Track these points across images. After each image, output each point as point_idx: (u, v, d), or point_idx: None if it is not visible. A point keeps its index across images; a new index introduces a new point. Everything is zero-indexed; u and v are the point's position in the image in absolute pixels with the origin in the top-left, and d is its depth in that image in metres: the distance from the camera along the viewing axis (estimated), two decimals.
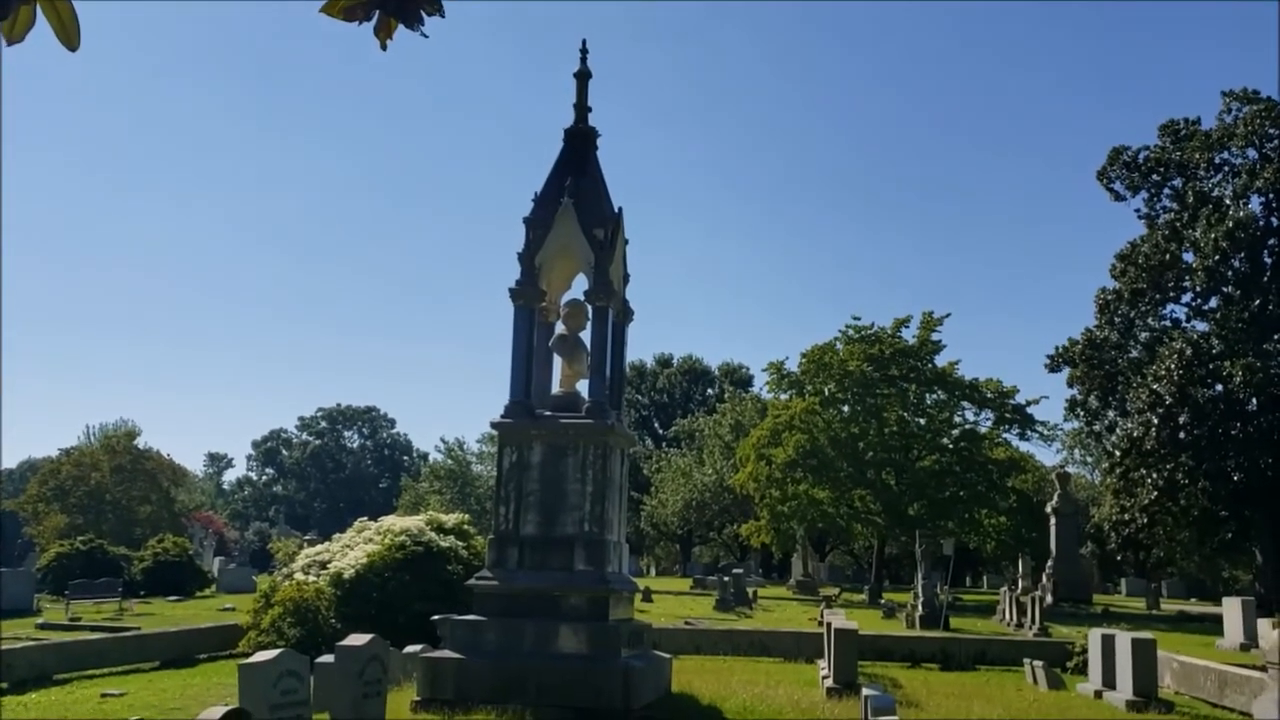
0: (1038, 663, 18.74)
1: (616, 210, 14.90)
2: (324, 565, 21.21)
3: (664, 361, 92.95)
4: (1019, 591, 33.84)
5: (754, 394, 74.48)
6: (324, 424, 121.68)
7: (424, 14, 3.62)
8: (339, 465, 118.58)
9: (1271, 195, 39.67)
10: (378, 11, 3.58)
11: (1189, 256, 41.15)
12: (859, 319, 49.22)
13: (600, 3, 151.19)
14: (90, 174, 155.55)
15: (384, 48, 3.63)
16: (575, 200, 14.44)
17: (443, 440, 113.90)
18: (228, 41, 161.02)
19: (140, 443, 66.58)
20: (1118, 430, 41.96)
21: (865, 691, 11.02)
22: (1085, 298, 56.12)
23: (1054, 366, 44.81)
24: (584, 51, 15.22)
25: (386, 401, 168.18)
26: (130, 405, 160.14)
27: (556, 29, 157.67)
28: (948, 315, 49.11)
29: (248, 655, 15.73)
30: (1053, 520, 43.16)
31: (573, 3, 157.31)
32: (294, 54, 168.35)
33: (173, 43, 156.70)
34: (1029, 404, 49.30)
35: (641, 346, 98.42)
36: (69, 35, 3.16)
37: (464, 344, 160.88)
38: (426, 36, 3.66)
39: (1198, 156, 41.72)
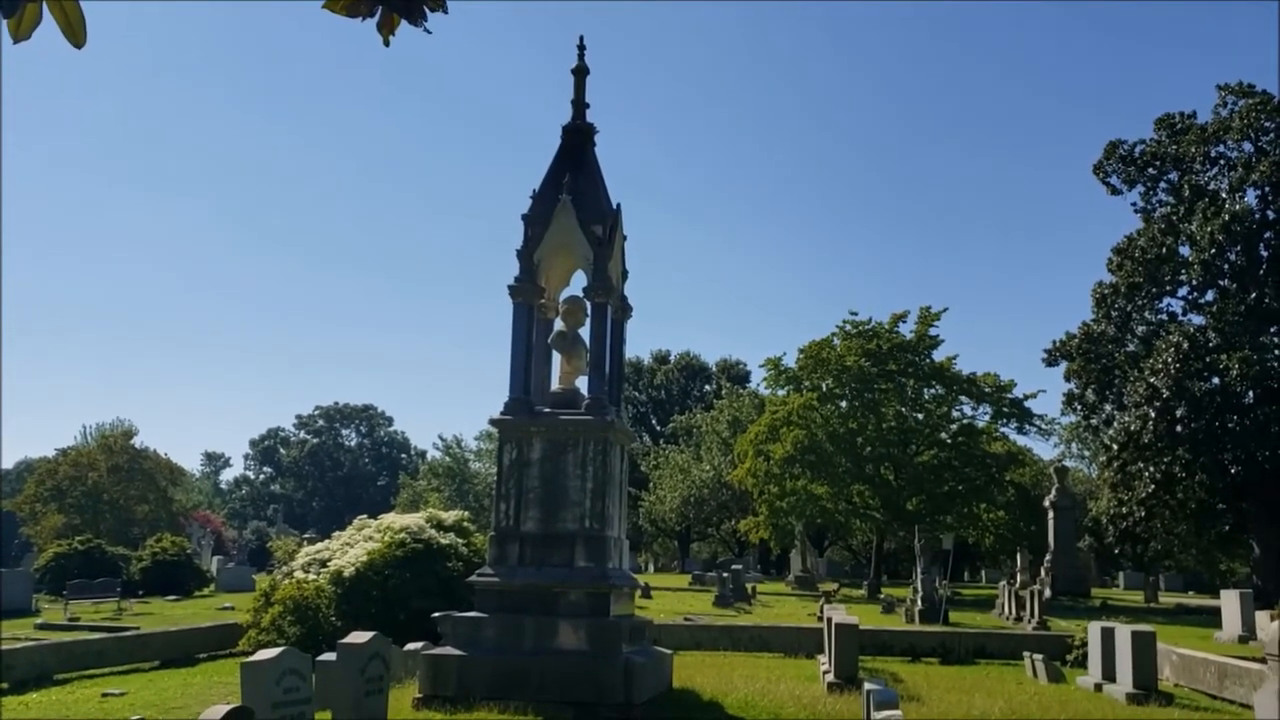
0: (1037, 656, 18.78)
1: (615, 207, 14.89)
2: (324, 563, 21.19)
3: (661, 358, 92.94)
4: (1017, 585, 33.89)
5: (751, 390, 74.52)
6: (321, 422, 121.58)
7: (427, 9, 3.62)
8: (337, 464, 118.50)
9: (1267, 188, 39.67)
10: (381, 7, 3.58)
11: (1185, 250, 41.16)
12: (856, 314, 49.33)
13: (600, 2, 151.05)
14: (84, 170, 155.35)
15: (387, 43, 3.63)
16: (573, 197, 14.43)
17: (440, 438, 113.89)
18: (225, 36, 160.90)
19: (137, 442, 66.42)
20: (1115, 424, 41.97)
21: (867, 686, 11.02)
22: (1082, 292, 56.15)
23: (1051, 360, 44.84)
24: (581, 48, 15.21)
25: (384, 399, 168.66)
26: (126, 405, 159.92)
27: (556, 25, 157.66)
28: (945, 310, 49.20)
29: (248, 654, 15.73)
30: (1051, 514, 43.21)
31: (573, 1, 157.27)
32: (292, 49, 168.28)
33: (171, 37, 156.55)
34: (1026, 398, 49.37)
35: (638, 343, 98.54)
36: (75, 33, 3.16)
37: (461, 341, 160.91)
38: (430, 32, 3.65)
39: (1194, 150, 41.72)
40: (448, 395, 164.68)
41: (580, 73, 15.20)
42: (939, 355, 49.25)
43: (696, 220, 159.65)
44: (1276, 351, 39.03)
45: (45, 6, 3.11)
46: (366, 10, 3.54)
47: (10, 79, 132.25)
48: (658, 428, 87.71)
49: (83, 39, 3.18)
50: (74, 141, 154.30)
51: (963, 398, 49.94)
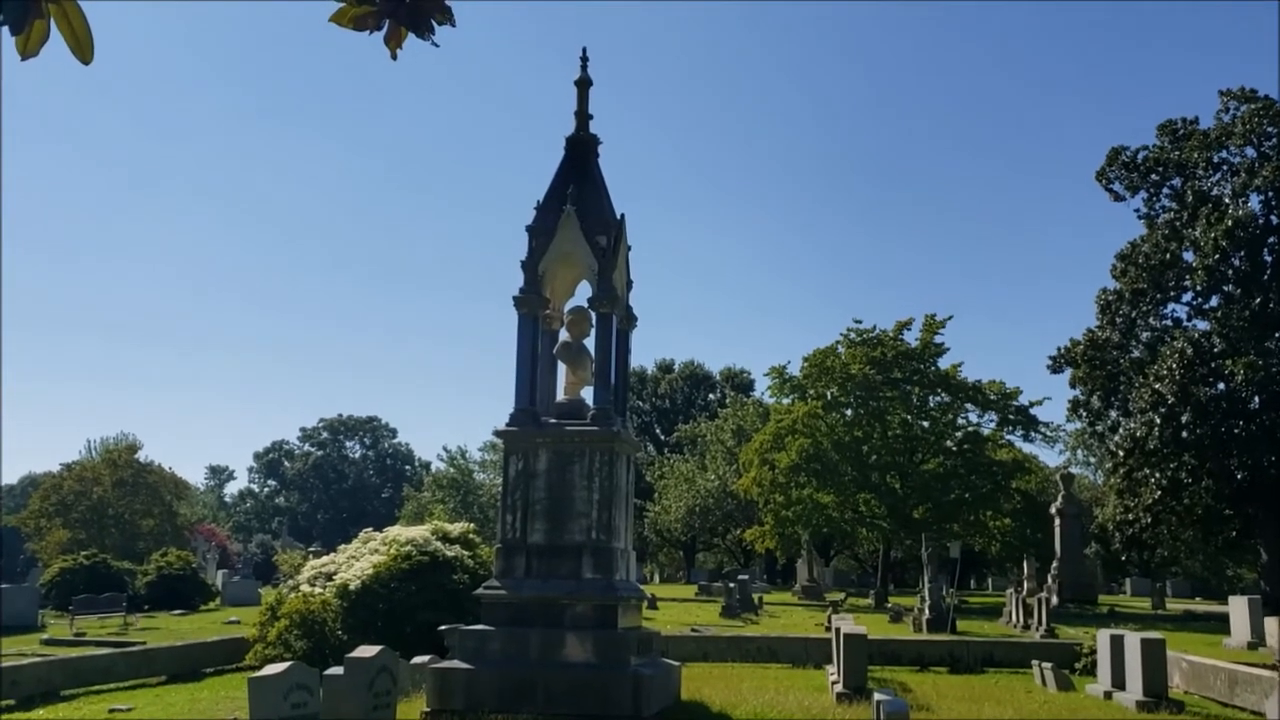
0: (1046, 664, 18.72)
1: (619, 217, 14.90)
2: (330, 577, 21.21)
3: (665, 367, 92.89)
4: (1025, 593, 33.76)
5: (755, 399, 74.44)
6: (325, 434, 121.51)
7: (435, 23, 3.62)
8: (341, 476, 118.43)
9: (1270, 193, 39.61)
10: (388, 21, 3.58)
11: (1189, 256, 41.08)
12: (860, 322, 49.34)
13: (602, 4, 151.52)
14: (90, 180, 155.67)
15: (394, 57, 3.63)
16: (577, 207, 14.45)
17: (445, 449, 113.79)
18: (231, 45, 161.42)
19: (141, 456, 66.48)
20: (1120, 430, 41.82)
21: (877, 696, 10.98)
22: (1087, 299, 56.17)
23: (1056, 368, 44.75)
24: (584, 59, 15.24)
25: (387, 411, 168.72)
26: (130, 418, 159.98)
27: (561, 33, 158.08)
28: (950, 318, 49.20)
29: (255, 668, 15.74)
30: (1057, 521, 43.10)
31: (574, 4, 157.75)
32: (298, 60, 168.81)
33: (171, 44, 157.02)
34: (1032, 405, 49.33)
35: (642, 352, 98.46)
36: (83, 49, 3.15)
37: (465, 352, 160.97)
38: (437, 45, 3.65)
39: (1196, 156, 41.68)
40: (451, 407, 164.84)
41: (583, 84, 15.22)
42: (944, 363, 49.28)
43: (701, 227, 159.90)
44: None
45: (53, 23, 3.10)
46: (373, 24, 3.54)
47: (15, 82, 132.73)
48: (662, 437, 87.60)
49: (90, 56, 3.17)
50: (77, 148, 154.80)
51: (968, 405, 49.91)
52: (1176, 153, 42.37)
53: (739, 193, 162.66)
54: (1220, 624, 28.90)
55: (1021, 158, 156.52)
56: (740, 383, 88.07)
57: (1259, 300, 38.45)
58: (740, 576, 42.17)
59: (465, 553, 21.55)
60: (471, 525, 24.86)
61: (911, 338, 49.09)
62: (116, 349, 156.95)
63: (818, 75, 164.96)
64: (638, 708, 12.53)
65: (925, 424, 50.13)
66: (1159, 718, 14.86)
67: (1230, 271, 39.50)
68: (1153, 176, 43.18)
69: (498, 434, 14.56)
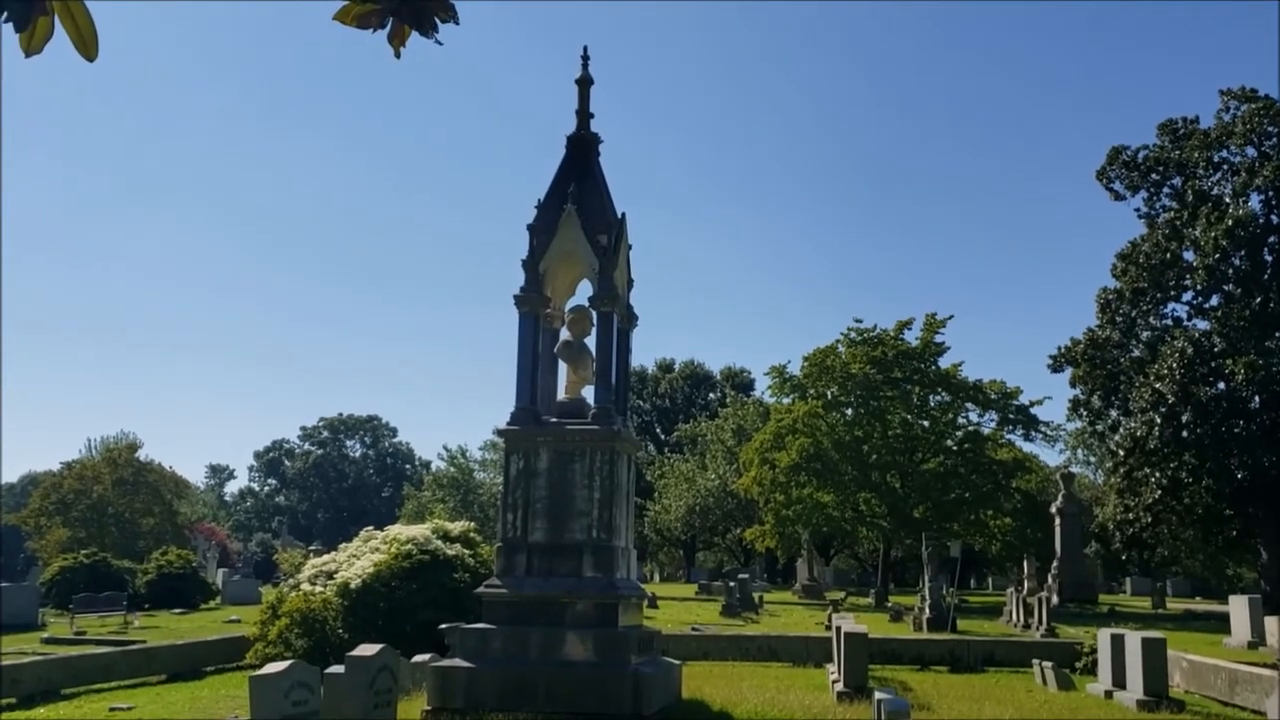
0: (1047, 664, 18.73)
1: (619, 216, 14.89)
2: (330, 575, 21.21)
3: (665, 366, 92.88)
4: (1025, 592, 33.79)
5: (756, 398, 74.46)
6: (326, 433, 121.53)
7: (438, 20, 3.62)
8: (341, 475, 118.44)
9: (1271, 193, 39.59)
10: (391, 19, 3.58)
11: (1189, 255, 41.06)
12: (861, 321, 49.31)
13: (603, 4, 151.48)
14: (88, 176, 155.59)
15: (398, 55, 3.63)
16: (578, 206, 14.44)
17: (445, 448, 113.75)
18: (232, 44, 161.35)
19: (142, 455, 66.45)
20: (1121, 430, 41.81)
21: (878, 695, 10.98)
22: (1087, 298, 56.14)
23: (1056, 367, 44.74)
24: (585, 58, 15.23)
25: (388, 410, 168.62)
26: (130, 417, 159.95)
27: (563, 31, 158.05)
28: (950, 317, 49.17)
29: (255, 667, 15.74)
30: (1057, 520, 43.12)
31: (577, 4, 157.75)
32: (299, 59, 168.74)
33: (173, 44, 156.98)
34: (1032, 405, 49.31)
35: (643, 352, 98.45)
36: (87, 47, 3.15)
37: (465, 351, 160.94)
38: (441, 44, 3.65)
39: (1197, 155, 41.66)
40: (451, 406, 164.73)
41: (584, 83, 15.21)
42: (944, 362, 49.25)
43: (701, 228, 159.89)
44: None
45: (57, 20, 3.10)
46: (377, 22, 3.54)
47: (17, 81, 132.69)
48: (662, 436, 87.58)
49: (95, 52, 3.17)
50: (77, 146, 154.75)
51: (969, 405, 49.89)
52: (1177, 152, 42.35)
53: (739, 193, 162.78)
54: (1220, 623, 28.92)
55: (1021, 158, 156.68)
56: (740, 382, 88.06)
57: (1259, 300, 38.45)
58: (740, 575, 42.16)
59: (466, 551, 21.55)
60: (472, 524, 24.85)
61: (912, 337, 49.11)
62: (116, 348, 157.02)
63: (818, 75, 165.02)
64: (638, 706, 12.53)
65: (925, 423, 50.11)
66: (1159, 717, 14.86)
67: (1230, 271, 39.48)
68: (1153, 176, 43.16)
69: (499, 433, 14.56)
